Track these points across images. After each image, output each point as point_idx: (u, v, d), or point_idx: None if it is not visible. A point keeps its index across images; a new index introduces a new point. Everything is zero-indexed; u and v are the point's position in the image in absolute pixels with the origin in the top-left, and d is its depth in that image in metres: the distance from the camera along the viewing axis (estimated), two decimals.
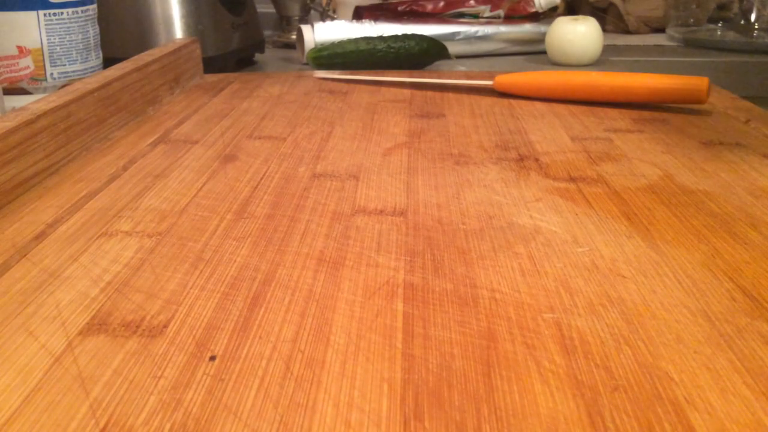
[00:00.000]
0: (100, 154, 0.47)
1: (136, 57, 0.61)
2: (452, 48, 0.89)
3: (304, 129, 0.53)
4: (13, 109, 0.43)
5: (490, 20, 0.96)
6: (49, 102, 0.45)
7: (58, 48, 0.68)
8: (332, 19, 1.06)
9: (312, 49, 0.84)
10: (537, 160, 0.46)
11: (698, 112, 0.58)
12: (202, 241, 0.34)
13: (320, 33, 0.86)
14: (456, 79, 0.70)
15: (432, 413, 0.22)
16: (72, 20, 0.69)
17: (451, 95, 0.65)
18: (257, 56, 0.95)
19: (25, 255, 0.33)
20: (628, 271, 0.31)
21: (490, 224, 0.36)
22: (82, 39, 0.70)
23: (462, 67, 0.89)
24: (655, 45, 1.06)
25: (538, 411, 0.22)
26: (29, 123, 0.41)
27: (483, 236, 0.34)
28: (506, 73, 0.65)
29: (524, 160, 0.46)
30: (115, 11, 0.80)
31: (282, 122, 0.55)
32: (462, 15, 0.96)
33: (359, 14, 0.98)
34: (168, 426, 0.21)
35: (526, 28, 0.95)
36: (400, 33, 0.84)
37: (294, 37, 1.02)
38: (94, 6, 0.72)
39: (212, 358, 0.24)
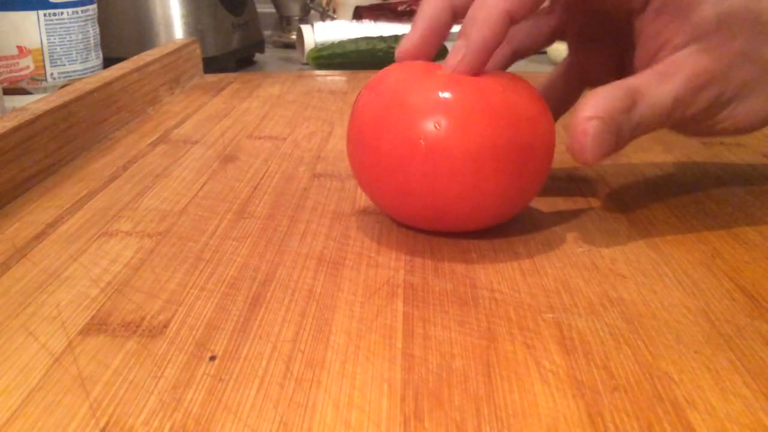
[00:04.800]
0: (100, 154, 0.47)
1: (136, 57, 0.61)
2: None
3: (304, 129, 0.53)
4: (13, 109, 0.43)
5: None
6: (49, 102, 0.45)
7: (58, 48, 0.69)
8: (332, 19, 1.06)
9: (312, 49, 0.84)
10: None
11: None
12: (202, 241, 0.34)
13: (320, 33, 0.86)
14: None
15: (432, 413, 0.22)
16: (72, 20, 0.69)
17: None
18: (257, 56, 0.95)
19: (25, 255, 0.33)
20: (628, 271, 0.31)
21: None
22: (82, 39, 0.70)
23: None
24: None
25: (538, 411, 0.22)
26: (29, 123, 0.41)
27: (483, 236, 0.34)
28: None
29: None
30: (115, 11, 0.80)
31: (282, 122, 0.55)
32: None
33: (359, 14, 0.98)
34: (168, 426, 0.21)
35: None
36: (400, 33, 0.84)
37: (294, 37, 1.02)
38: (94, 6, 0.72)
39: (212, 358, 0.24)
